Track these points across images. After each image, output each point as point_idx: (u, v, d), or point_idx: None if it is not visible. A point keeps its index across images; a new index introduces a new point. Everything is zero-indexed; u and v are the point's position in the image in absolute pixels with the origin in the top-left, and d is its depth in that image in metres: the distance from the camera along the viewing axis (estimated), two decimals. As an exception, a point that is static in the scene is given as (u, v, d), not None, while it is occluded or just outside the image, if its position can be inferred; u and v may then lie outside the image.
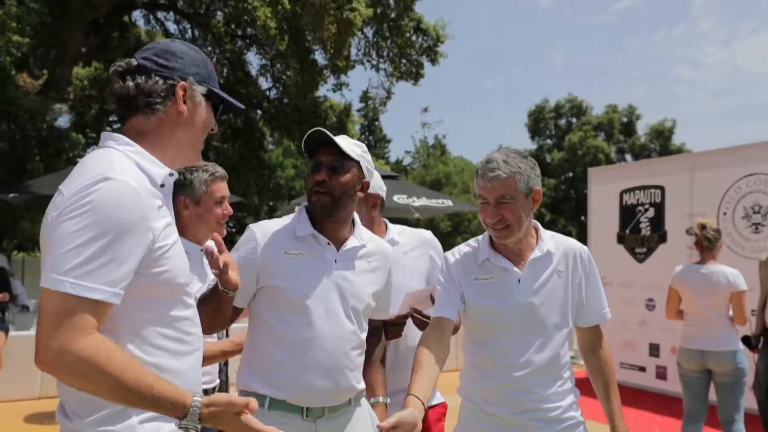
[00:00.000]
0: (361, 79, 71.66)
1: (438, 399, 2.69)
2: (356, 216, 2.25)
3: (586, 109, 42.46)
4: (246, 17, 13.86)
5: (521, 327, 2.14)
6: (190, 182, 2.60)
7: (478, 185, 2.14)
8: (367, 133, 35.65)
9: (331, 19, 12.76)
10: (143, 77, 1.60)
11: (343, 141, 2.13)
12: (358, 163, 2.13)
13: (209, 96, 1.68)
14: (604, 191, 8.40)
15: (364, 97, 20.70)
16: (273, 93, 19.16)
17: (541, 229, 2.26)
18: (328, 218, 2.11)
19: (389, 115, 68.93)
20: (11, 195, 9.58)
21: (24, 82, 14.46)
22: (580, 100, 42.48)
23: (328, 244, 2.12)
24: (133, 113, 1.61)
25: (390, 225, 2.69)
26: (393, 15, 16.31)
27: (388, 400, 2.33)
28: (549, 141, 42.73)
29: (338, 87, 17.70)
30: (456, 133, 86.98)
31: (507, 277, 2.17)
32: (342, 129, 17.71)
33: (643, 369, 7.76)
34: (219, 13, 17.75)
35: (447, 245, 2.69)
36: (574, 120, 42.35)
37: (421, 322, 2.39)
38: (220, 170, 2.68)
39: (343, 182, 2.08)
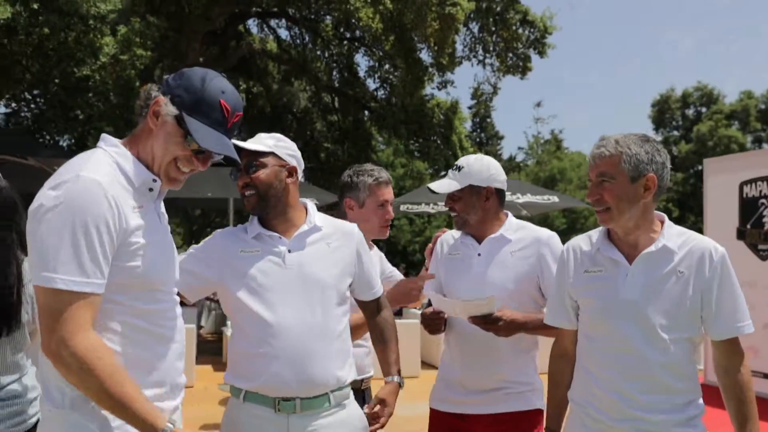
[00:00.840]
0: (468, 76, 70.89)
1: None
2: (309, 203, 2.29)
3: (717, 97, 39.74)
4: (352, 19, 14.08)
5: (626, 326, 1.99)
6: (356, 185, 2.76)
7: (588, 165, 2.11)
8: (478, 130, 35.23)
9: (433, 16, 12.71)
10: (156, 86, 1.76)
11: (250, 141, 2.21)
12: (273, 153, 2.18)
13: (178, 121, 1.73)
14: (722, 183, 7.80)
15: (475, 94, 20.41)
16: (380, 93, 19.37)
17: (668, 224, 2.10)
18: (268, 214, 2.18)
19: (502, 112, 67.73)
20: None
21: (149, 93, 15.50)
22: (711, 87, 39.81)
23: (279, 237, 2.16)
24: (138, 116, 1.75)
25: (509, 220, 2.65)
26: (498, 8, 16.01)
27: (401, 380, 2.33)
28: (675, 132, 40.37)
29: (443, 85, 17.61)
30: (573, 127, 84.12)
31: (616, 270, 2.05)
32: (449, 127, 17.59)
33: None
34: (327, 17, 18.17)
35: (562, 243, 2.62)
36: (703, 109, 39.75)
37: (486, 326, 2.39)
38: (385, 175, 2.81)
39: (263, 177, 2.16)
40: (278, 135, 2.29)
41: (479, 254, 2.59)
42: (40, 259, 1.49)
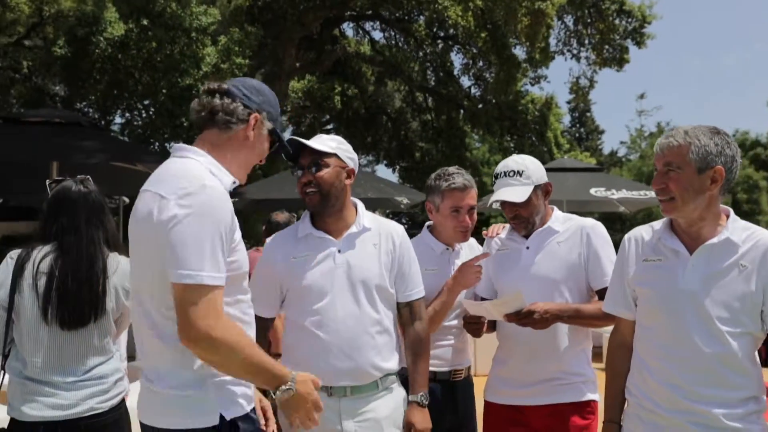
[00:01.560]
0: (563, 70, 68.86)
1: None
2: (359, 203, 2.43)
3: None
4: (442, 18, 14.16)
5: (684, 317, 1.99)
6: (434, 189, 2.81)
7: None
8: (578, 125, 34.31)
9: (523, 11, 12.57)
10: (229, 99, 1.90)
11: (315, 141, 2.35)
12: (335, 155, 2.33)
13: (271, 133, 1.98)
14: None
15: (574, 88, 19.94)
16: (474, 91, 19.32)
17: (733, 218, 2.07)
18: (325, 213, 2.35)
19: (602, 105, 65.37)
20: (233, 200, 10.86)
21: (249, 99, 16.24)
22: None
23: (325, 237, 2.34)
24: (210, 126, 1.91)
25: (556, 212, 2.72)
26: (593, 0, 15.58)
27: (422, 398, 2.39)
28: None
29: (536, 80, 17.33)
30: (682, 119, 79.98)
31: (676, 260, 2.04)
32: (544, 123, 17.31)
33: None
34: (420, 17, 18.31)
35: None
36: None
37: (521, 322, 2.46)
38: (460, 180, 2.76)
39: (326, 177, 2.32)
40: (339, 138, 2.45)
41: (527, 247, 2.66)
42: (182, 260, 1.70)
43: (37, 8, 16.38)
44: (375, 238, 2.40)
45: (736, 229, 2.04)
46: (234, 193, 8.31)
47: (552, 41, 16.71)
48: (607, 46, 15.88)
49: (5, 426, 2.40)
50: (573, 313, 2.49)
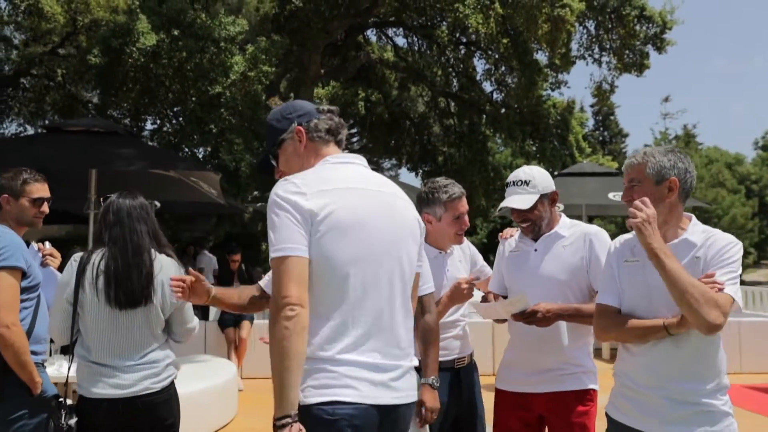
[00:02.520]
0: (585, 74, 68.45)
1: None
2: None
3: None
4: (466, 25, 14.39)
5: (659, 310, 2.28)
6: (432, 201, 3.09)
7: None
8: (601, 128, 34.26)
9: (543, 18, 12.81)
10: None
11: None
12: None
13: None
14: None
15: (596, 92, 20.05)
16: (496, 96, 19.53)
17: (694, 222, 2.36)
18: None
19: (627, 108, 64.99)
20: (259, 204, 11.25)
21: (274, 105, 16.63)
22: None
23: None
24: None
25: (563, 219, 3.01)
26: (614, 5, 15.73)
27: (434, 381, 2.71)
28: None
29: (556, 85, 17.50)
30: (709, 121, 78.87)
31: (647, 260, 2.25)
32: (565, 127, 17.48)
33: None
34: (442, 23, 18.58)
35: None
36: None
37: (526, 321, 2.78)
38: (458, 190, 3.09)
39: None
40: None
41: (536, 250, 2.95)
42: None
43: (71, 18, 16.99)
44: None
45: (695, 231, 2.33)
46: (263, 198, 8.81)
47: (574, 46, 16.90)
48: (627, 52, 16.04)
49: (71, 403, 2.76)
50: (573, 312, 2.77)
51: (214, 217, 15.19)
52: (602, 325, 2.43)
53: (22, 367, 2.77)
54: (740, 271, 2.29)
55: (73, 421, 2.68)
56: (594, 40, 17.00)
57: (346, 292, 1.96)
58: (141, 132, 15.67)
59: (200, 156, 14.90)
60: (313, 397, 1.89)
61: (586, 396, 2.84)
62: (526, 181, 2.92)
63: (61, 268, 3.16)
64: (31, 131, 22.32)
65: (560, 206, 3.79)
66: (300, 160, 2.17)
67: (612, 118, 34.29)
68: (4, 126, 21.52)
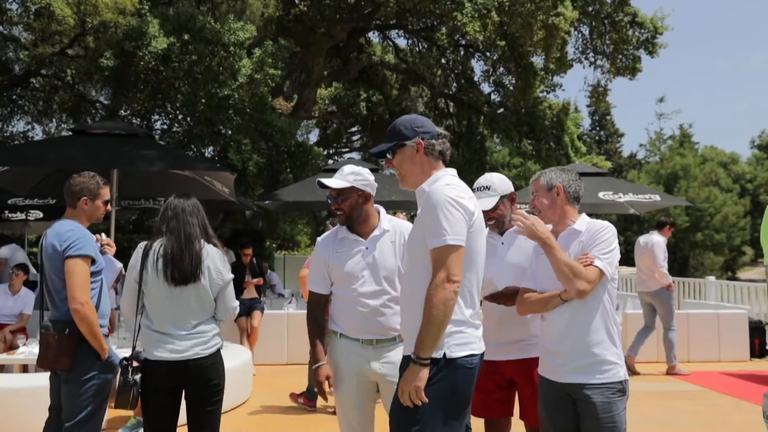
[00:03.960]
0: (581, 76, 68.89)
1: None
2: (381, 210, 3.37)
3: None
4: (464, 33, 14.92)
5: (556, 286, 3.01)
6: None
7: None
8: (597, 128, 34.88)
9: (538, 25, 13.38)
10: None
11: (337, 177, 3.26)
12: (353, 186, 3.24)
13: None
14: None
15: (592, 94, 20.60)
16: (494, 97, 20.10)
17: (582, 217, 3.17)
18: (353, 224, 3.30)
19: (623, 109, 65.53)
20: (267, 202, 11.82)
21: (280, 105, 17.18)
22: None
23: (357, 239, 3.27)
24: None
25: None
26: (608, 11, 16.31)
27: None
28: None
29: (552, 88, 18.07)
30: (705, 121, 79.33)
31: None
32: (561, 128, 18.05)
33: None
34: (442, 26, 19.12)
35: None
36: None
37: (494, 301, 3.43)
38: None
39: (347, 205, 3.26)
40: (357, 169, 3.35)
41: (502, 243, 3.55)
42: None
43: (81, 20, 17.51)
44: (392, 236, 3.31)
45: (582, 224, 3.11)
46: (269, 196, 9.57)
47: (570, 49, 17.46)
48: (620, 56, 16.62)
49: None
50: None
51: (220, 214, 15.74)
52: (520, 302, 3.17)
53: (93, 336, 3.38)
54: (611, 248, 3.00)
55: (137, 377, 3.30)
56: (588, 44, 17.59)
57: (474, 273, 2.70)
58: (151, 132, 16.16)
59: (209, 156, 15.43)
60: (459, 351, 2.60)
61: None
62: (486, 186, 3.52)
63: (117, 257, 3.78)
64: (39, 130, 22.91)
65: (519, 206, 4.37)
66: (412, 166, 2.80)
67: (608, 118, 34.91)
68: (12, 124, 22.06)
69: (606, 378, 2.93)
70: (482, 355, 2.75)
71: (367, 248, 3.27)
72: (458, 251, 2.56)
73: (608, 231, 3.03)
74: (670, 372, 8.59)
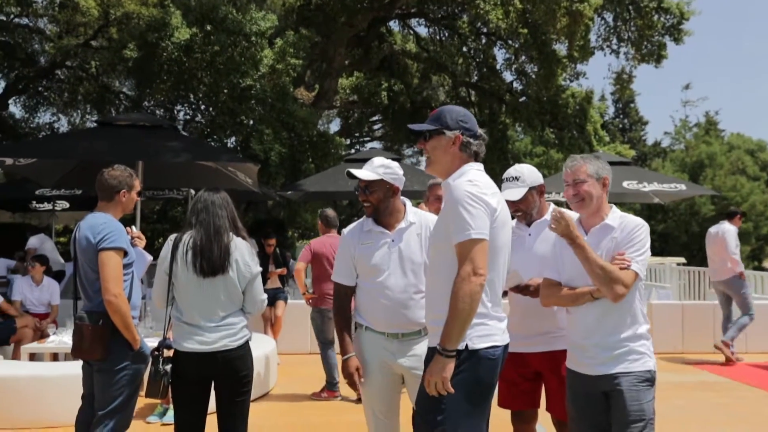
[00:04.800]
0: (604, 63, 67.87)
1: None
2: (408, 202, 3.37)
3: None
4: (486, 20, 14.82)
5: (585, 280, 2.97)
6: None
7: (563, 174, 3.15)
8: (621, 116, 34.48)
9: (562, 12, 13.24)
10: None
11: (366, 169, 3.26)
12: (382, 179, 3.25)
13: None
14: None
15: (616, 82, 20.34)
16: (516, 85, 19.95)
17: (614, 210, 3.08)
18: (378, 216, 3.30)
19: (647, 96, 64.57)
20: (289, 192, 11.87)
21: (301, 95, 17.21)
22: None
23: (384, 231, 3.29)
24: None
25: (551, 208, 3.49)
26: (633, -3, 16.09)
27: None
28: None
29: (575, 76, 17.89)
30: (732, 107, 77.94)
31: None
32: (584, 117, 17.88)
33: None
34: (463, 14, 19.00)
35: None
36: None
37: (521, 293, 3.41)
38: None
39: (374, 197, 3.27)
40: (387, 162, 3.35)
41: (529, 234, 3.54)
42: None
43: (104, 11, 17.66)
44: (418, 228, 3.32)
45: (614, 218, 3.04)
46: (291, 186, 9.64)
47: (592, 37, 17.24)
48: (645, 43, 16.38)
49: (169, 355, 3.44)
50: None
51: (243, 204, 15.84)
52: (545, 294, 3.14)
53: (126, 327, 3.44)
54: (645, 248, 2.97)
55: (168, 367, 3.36)
56: (612, 31, 17.36)
57: (496, 267, 2.72)
58: (174, 122, 16.31)
59: (231, 146, 15.52)
60: (481, 343, 2.64)
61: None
62: (516, 177, 3.52)
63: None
64: (64, 121, 23.18)
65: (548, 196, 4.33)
66: (443, 155, 2.82)
67: (632, 105, 34.51)
68: (39, 116, 22.36)
69: (634, 367, 2.93)
70: (506, 346, 2.77)
71: (393, 240, 3.27)
72: (482, 245, 2.59)
73: (643, 230, 3.01)
74: (719, 347, 8.59)
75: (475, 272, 2.55)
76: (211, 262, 3.38)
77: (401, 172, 3.36)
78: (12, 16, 19.03)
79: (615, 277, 2.86)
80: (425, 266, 3.24)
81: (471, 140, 2.81)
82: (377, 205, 3.29)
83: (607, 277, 2.86)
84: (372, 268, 3.26)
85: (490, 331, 2.69)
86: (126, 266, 3.55)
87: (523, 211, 3.54)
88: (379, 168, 3.30)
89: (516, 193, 3.47)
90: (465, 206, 2.60)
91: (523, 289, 3.37)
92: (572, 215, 3.10)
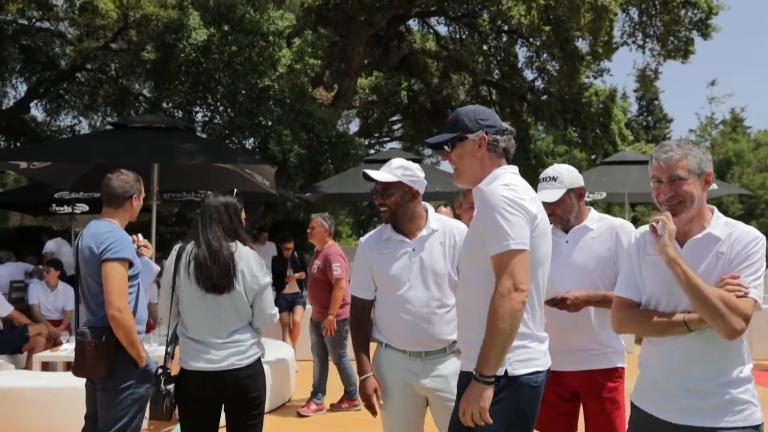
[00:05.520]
0: (628, 60, 66.91)
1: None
2: (429, 208, 3.11)
3: None
4: (508, 17, 14.50)
5: (674, 302, 2.32)
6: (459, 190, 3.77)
7: (651, 167, 2.38)
8: (645, 114, 33.84)
9: (586, 7, 12.88)
10: None
11: (384, 170, 3.00)
12: (400, 181, 2.99)
13: None
14: None
15: (640, 79, 19.90)
16: (538, 84, 19.59)
17: (716, 215, 2.36)
18: (398, 222, 3.04)
19: (671, 93, 63.49)
20: (308, 194, 11.65)
21: (320, 96, 17.01)
22: None
23: (403, 239, 3.03)
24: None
25: (592, 213, 3.26)
26: (659, -8, 15.66)
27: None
28: None
29: (599, 73, 17.49)
30: (759, 104, 76.39)
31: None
32: (607, 115, 17.49)
33: None
34: (484, 12, 18.69)
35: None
36: None
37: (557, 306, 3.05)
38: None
39: (392, 201, 3.01)
40: (406, 163, 3.10)
41: (567, 241, 3.21)
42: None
43: (123, 14, 17.64)
44: (441, 237, 3.06)
45: (718, 225, 2.31)
46: (310, 188, 9.29)
47: (617, 32, 16.85)
48: (672, 38, 15.93)
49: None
50: (601, 299, 3.01)
51: (261, 206, 15.67)
52: (620, 318, 2.46)
53: (131, 344, 3.21)
54: (764, 267, 2.29)
55: (171, 386, 3.11)
56: (637, 26, 16.93)
57: (537, 282, 2.44)
58: (192, 124, 16.21)
59: (249, 147, 15.36)
60: (522, 368, 2.37)
61: (615, 373, 3.12)
62: (554, 177, 3.20)
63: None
64: (84, 124, 23.21)
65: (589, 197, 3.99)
66: (472, 162, 2.56)
67: (656, 103, 33.89)
68: (60, 119, 22.42)
69: (737, 421, 2.26)
70: (548, 371, 2.49)
71: (413, 249, 3.03)
72: (523, 256, 2.31)
73: (760, 244, 2.29)
74: None
75: (516, 287, 2.27)
76: (212, 278, 3.15)
77: (422, 174, 3.12)
78: (33, 20, 19.10)
79: (731, 309, 2.16)
80: (449, 278, 2.99)
81: (497, 137, 2.55)
82: (395, 210, 3.05)
83: (721, 310, 2.16)
84: (391, 279, 3.01)
85: (532, 354, 2.42)
86: (131, 278, 3.32)
87: (558, 215, 3.21)
88: (397, 169, 3.06)
89: (553, 194, 3.15)
90: (502, 213, 2.32)
91: (559, 303, 3.06)
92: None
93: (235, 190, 3.39)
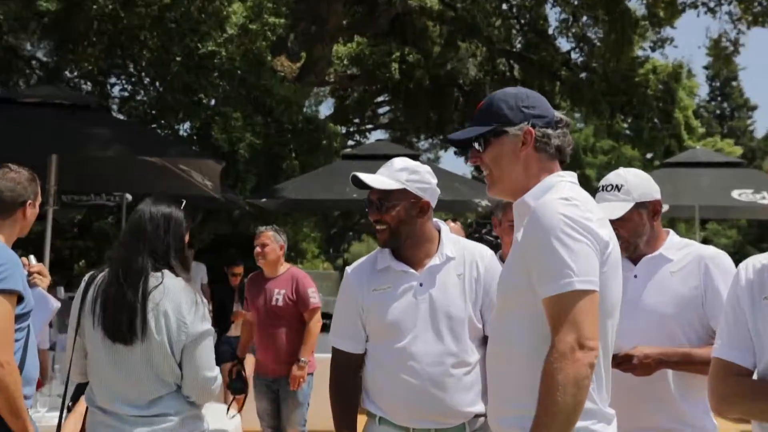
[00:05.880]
0: (697, 29, 67.64)
1: None
2: (443, 228, 3.04)
3: None
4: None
5: None
6: (497, 204, 3.60)
7: None
8: (719, 99, 34.22)
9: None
10: None
11: (379, 177, 2.93)
12: (405, 189, 2.90)
13: None
14: None
15: (714, 51, 20.02)
16: (576, 56, 19.70)
17: None
18: (400, 246, 2.95)
19: (755, 72, 64.14)
20: (263, 200, 11.55)
21: (282, 66, 16.96)
22: None
23: (407, 270, 2.93)
24: None
25: (671, 237, 3.17)
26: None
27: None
28: None
29: (658, 44, 17.60)
30: None
31: None
32: (670, 100, 17.61)
33: None
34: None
35: None
36: None
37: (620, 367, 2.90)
38: None
39: (394, 215, 2.92)
40: (413, 165, 3.00)
41: (635, 276, 3.10)
42: None
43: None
44: (459, 267, 2.96)
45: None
46: (266, 191, 9.20)
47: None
48: (758, -1, 16.09)
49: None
50: (681, 358, 2.90)
51: (199, 214, 15.52)
52: (723, 394, 2.27)
53: (15, 414, 3.03)
54: None
55: None
56: (710, -18, 17.11)
57: (605, 337, 2.32)
58: (106, 101, 16.11)
59: (185, 134, 15.29)
60: None
61: None
62: (617, 186, 3.11)
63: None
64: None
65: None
66: (513, 164, 2.44)
67: (734, 84, 34.34)
68: None
69: None
70: None
71: (421, 284, 2.94)
72: (591, 299, 2.18)
73: None
74: None
75: (582, 344, 2.12)
76: (117, 322, 3.02)
77: (434, 180, 3.03)
78: None
79: None
80: (470, 324, 2.90)
81: (548, 131, 2.43)
82: (396, 229, 2.95)
83: None
84: (390, 326, 2.91)
85: None
86: (19, 318, 3.15)
87: (624, 238, 3.07)
88: (400, 172, 2.96)
89: (615, 208, 3.05)
90: (561, 239, 2.20)
91: (622, 362, 2.93)
92: None
93: (183, 201, 3.27)
